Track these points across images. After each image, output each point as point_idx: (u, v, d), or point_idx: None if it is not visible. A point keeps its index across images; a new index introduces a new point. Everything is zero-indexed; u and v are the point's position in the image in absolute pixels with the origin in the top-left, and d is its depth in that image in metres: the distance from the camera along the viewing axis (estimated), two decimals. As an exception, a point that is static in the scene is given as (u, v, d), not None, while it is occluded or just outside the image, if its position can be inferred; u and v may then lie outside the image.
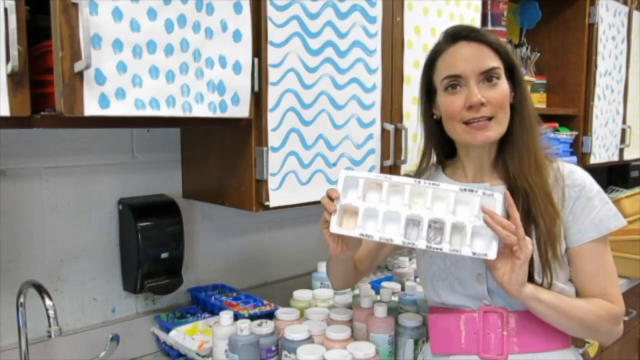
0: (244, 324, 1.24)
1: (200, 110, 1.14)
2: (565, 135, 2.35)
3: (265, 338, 1.27)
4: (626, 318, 2.25)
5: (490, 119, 1.09)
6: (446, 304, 1.17)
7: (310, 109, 1.38)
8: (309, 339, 1.29)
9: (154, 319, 1.51)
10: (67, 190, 1.37)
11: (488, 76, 1.09)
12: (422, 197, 1.07)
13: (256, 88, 1.25)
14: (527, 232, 1.05)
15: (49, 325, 1.11)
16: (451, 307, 1.17)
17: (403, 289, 1.67)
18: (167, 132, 1.54)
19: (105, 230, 1.44)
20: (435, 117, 1.18)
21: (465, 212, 1.05)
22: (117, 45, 0.99)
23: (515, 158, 1.11)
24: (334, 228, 1.07)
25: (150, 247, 1.41)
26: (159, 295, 1.53)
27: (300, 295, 1.56)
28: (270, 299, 1.59)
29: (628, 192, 2.60)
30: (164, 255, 1.44)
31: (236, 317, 1.38)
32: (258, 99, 1.27)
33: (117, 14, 0.98)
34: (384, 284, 1.69)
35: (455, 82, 1.10)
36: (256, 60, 1.24)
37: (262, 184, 1.31)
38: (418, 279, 1.77)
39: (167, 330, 1.43)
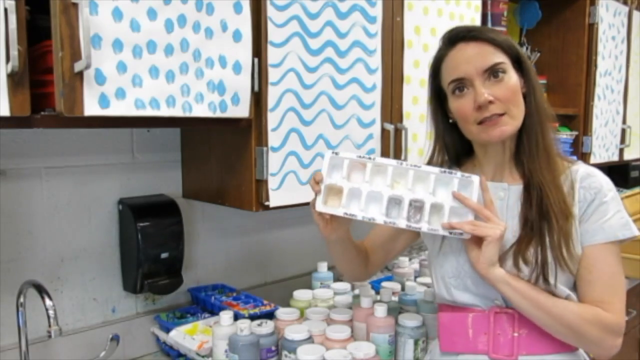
0: (244, 324, 1.24)
1: (200, 110, 1.14)
2: (565, 135, 2.35)
3: (265, 338, 1.27)
4: (626, 318, 2.26)
5: (502, 114, 1.08)
6: (457, 303, 1.17)
7: (310, 109, 1.38)
8: (309, 339, 1.29)
9: (154, 319, 1.51)
10: (67, 190, 1.37)
11: (493, 72, 1.08)
12: (403, 178, 1.11)
13: (256, 88, 1.25)
14: (541, 229, 1.06)
15: (49, 325, 1.11)
16: (461, 306, 1.16)
17: (403, 289, 1.67)
18: (167, 132, 1.54)
19: (105, 230, 1.44)
20: (451, 120, 1.18)
21: (444, 193, 1.10)
22: (117, 45, 0.99)
23: (528, 151, 1.11)
24: (319, 206, 1.11)
25: (150, 247, 1.41)
26: (159, 295, 1.53)
27: (300, 295, 1.56)
28: (270, 299, 1.59)
29: (628, 192, 2.61)
30: (164, 255, 1.44)
31: (236, 317, 1.38)
32: (258, 99, 1.27)
33: (117, 14, 0.98)
34: (384, 284, 1.69)
35: (460, 84, 1.10)
36: (256, 60, 1.24)
37: (262, 184, 1.31)
38: (418, 279, 1.77)
39: (167, 330, 1.43)
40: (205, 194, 1.50)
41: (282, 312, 1.43)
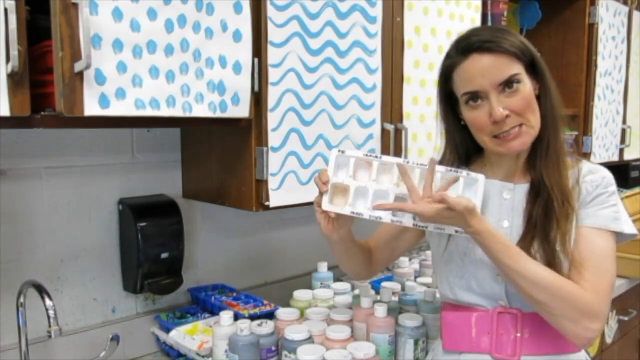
0: (244, 324, 1.24)
1: (200, 110, 1.14)
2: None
3: (265, 338, 1.27)
4: (626, 318, 2.26)
5: (520, 125, 1.07)
6: (460, 302, 1.17)
7: (310, 109, 1.38)
8: (309, 339, 1.29)
9: (154, 319, 1.51)
10: (67, 190, 1.37)
11: (507, 84, 1.05)
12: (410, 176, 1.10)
13: (256, 88, 1.25)
14: (544, 227, 1.07)
15: (49, 325, 1.11)
16: (465, 305, 1.16)
17: (403, 289, 1.67)
18: (167, 132, 1.54)
19: (105, 230, 1.44)
20: (462, 122, 1.16)
21: (449, 192, 1.09)
22: (117, 45, 0.99)
23: (540, 154, 1.11)
24: (326, 205, 1.10)
25: (150, 247, 1.41)
26: (159, 295, 1.53)
27: (300, 295, 1.56)
28: (270, 299, 1.59)
29: (628, 192, 2.61)
30: (164, 255, 1.44)
31: (236, 317, 1.38)
32: (258, 99, 1.27)
33: (117, 14, 0.98)
34: (384, 284, 1.69)
35: (474, 96, 1.08)
36: (256, 60, 1.24)
37: (262, 184, 1.31)
38: (418, 279, 1.77)
39: (167, 330, 1.43)
40: (205, 194, 1.50)
41: (282, 312, 1.43)
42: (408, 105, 1.63)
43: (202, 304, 1.58)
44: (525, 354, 1.11)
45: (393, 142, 1.57)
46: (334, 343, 1.29)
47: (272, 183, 1.32)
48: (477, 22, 1.83)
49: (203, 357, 1.32)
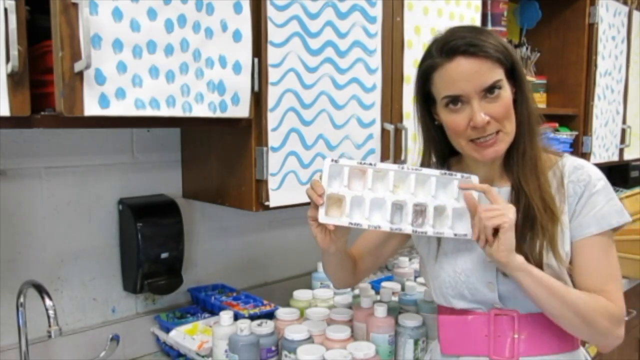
0: (244, 324, 1.24)
1: (200, 110, 1.14)
2: (565, 135, 2.35)
3: (265, 338, 1.27)
4: (626, 318, 2.26)
5: (497, 132, 1.06)
6: (455, 308, 1.16)
7: (310, 109, 1.38)
8: (309, 339, 1.29)
9: (154, 319, 1.51)
10: (67, 190, 1.37)
11: (490, 90, 1.04)
12: (405, 182, 1.09)
13: (256, 88, 1.25)
14: (524, 235, 1.06)
15: (49, 325, 1.11)
16: (461, 309, 1.16)
17: (403, 289, 1.67)
18: (167, 132, 1.54)
19: (105, 230, 1.44)
20: (436, 122, 1.15)
21: (445, 195, 1.09)
22: (117, 45, 0.99)
23: (516, 159, 1.10)
24: (323, 218, 1.07)
25: (150, 247, 1.41)
26: (159, 295, 1.53)
27: (300, 295, 1.56)
28: (270, 299, 1.59)
29: (628, 192, 2.60)
30: (164, 255, 1.44)
31: (236, 317, 1.38)
32: (258, 99, 1.27)
33: (117, 14, 0.98)
34: (384, 284, 1.69)
35: (455, 100, 1.06)
36: (256, 60, 1.24)
37: (262, 184, 1.31)
38: (418, 279, 1.77)
39: (167, 330, 1.43)
40: (205, 194, 1.50)
41: (282, 312, 1.43)
42: (408, 105, 1.63)
43: (202, 304, 1.57)
44: (524, 355, 1.10)
45: (393, 142, 1.57)
46: (334, 343, 1.29)
47: (272, 183, 1.32)
48: (477, 22, 1.83)
49: (203, 357, 1.32)
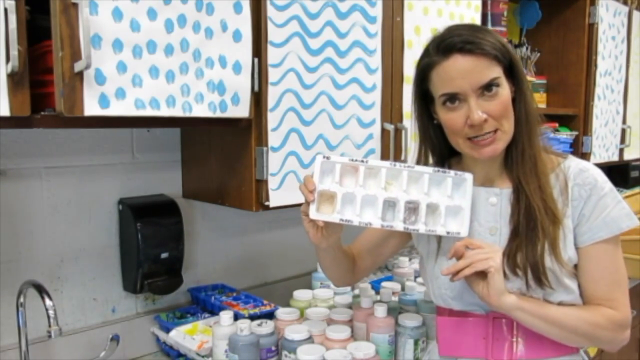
0: (244, 324, 1.24)
1: (200, 110, 1.14)
2: (565, 135, 2.35)
3: (265, 338, 1.27)
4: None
5: (495, 131, 1.05)
6: (454, 309, 1.16)
7: (310, 109, 1.38)
8: (309, 339, 1.29)
9: (154, 319, 1.51)
10: (67, 190, 1.37)
11: (487, 88, 1.03)
12: (397, 179, 1.09)
13: (256, 88, 1.25)
14: (527, 234, 1.05)
15: (49, 325, 1.11)
16: (459, 311, 1.15)
17: (403, 289, 1.67)
18: (167, 132, 1.54)
19: (105, 230, 1.44)
20: (435, 122, 1.14)
21: (437, 193, 1.09)
22: (117, 45, 0.99)
23: (515, 159, 1.09)
24: (313, 214, 1.06)
25: (150, 247, 1.41)
26: (159, 295, 1.53)
27: (300, 295, 1.56)
28: (270, 299, 1.59)
29: (628, 192, 2.61)
30: (164, 255, 1.44)
31: (236, 317, 1.38)
32: (258, 99, 1.27)
33: (117, 14, 0.98)
34: (384, 284, 1.69)
35: (453, 98, 1.05)
36: (256, 60, 1.24)
37: (262, 184, 1.31)
38: (418, 279, 1.77)
39: (167, 330, 1.43)
40: (205, 194, 1.50)
41: (282, 312, 1.43)
42: (408, 105, 1.63)
43: (202, 304, 1.58)
44: (522, 358, 1.10)
45: (393, 142, 1.57)
46: (334, 343, 1.29)
47: (272, 183, 1.32)
48: (477, 22, 1.83)
49: (203, 357, 1.32)
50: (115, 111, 1.00)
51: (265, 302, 1.54)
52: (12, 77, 0.88)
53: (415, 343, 1.37)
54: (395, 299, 1.56)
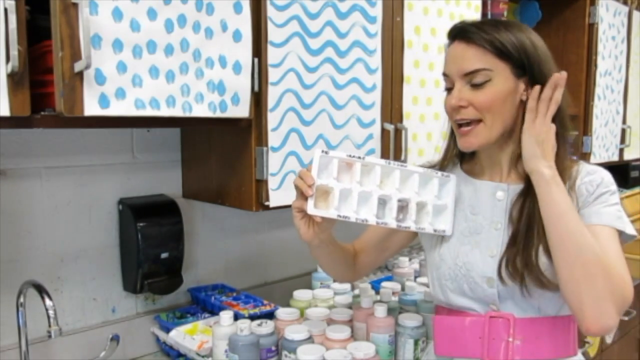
0: (244, 324, 1.24)
1: (200, 110, 1.14)
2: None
3: (265, 338, 1.27)
4: (626, 318, 2.26)
5: (478, 121, 1.06)
6: (452, 305, 1.16)
7: (310, 109, 1.38)
8: (309, 339, 1.29)
9: (154, 319, 1.51)
10: (67, 190, 1.37)
11: (472, 78, 1.05)
12: (390, 178, 1.11)
13: (256, 88, 1.25)
14: (530, 239, 1.05)
15: (49, 325, 1.11)
16: (457, 309, 1.15)
17: (403, 289, 1.68)
18: (167, 132, 1.54)
19: (105, 230, 1.44)
20: None
21: (426, 192, 1.13)
22: (117, 45, 0.99)
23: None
24: (311, 209, 1.05)
25: (150, 247, 1.41)
26: (159, 295, 1.53)
27: (300, 295, 1.56)
28: (270, 299, 1.59)
29: (628, 192, 2.61)
30: (164, 255, 1.44)
31: (236, 317, 1.38)
32: (258, 99, 1.27)
33: (117, 14, 0.98)
34: (384, 284, 1.69)
35: (447, 80, 1.10)
36: (256, 60, 1.24)
37: (262, 184, 1.31)
38: (418, 279, 1.77)
39: (167, 330, 1.43)
40: (205, 194, 1.50)
41: (282, 312, 1.43)
42: (408, 105, 1.63)
43: (202, 304, 1.58)
44: (518, 359, 1.09)
45: (393, 142, 1.57)
46: (334, 343, 1.29)
47: (272, 183, 1.32)
48: (477, 22, 1.83)
49: (203, 357, 1.32)
50: (115, 111, 1.00)
51: (265, 302, 1.55)
52: (12, 77, 0.88)
53: (415, 343, 1.37)
54: (395, 299, 1.56)
